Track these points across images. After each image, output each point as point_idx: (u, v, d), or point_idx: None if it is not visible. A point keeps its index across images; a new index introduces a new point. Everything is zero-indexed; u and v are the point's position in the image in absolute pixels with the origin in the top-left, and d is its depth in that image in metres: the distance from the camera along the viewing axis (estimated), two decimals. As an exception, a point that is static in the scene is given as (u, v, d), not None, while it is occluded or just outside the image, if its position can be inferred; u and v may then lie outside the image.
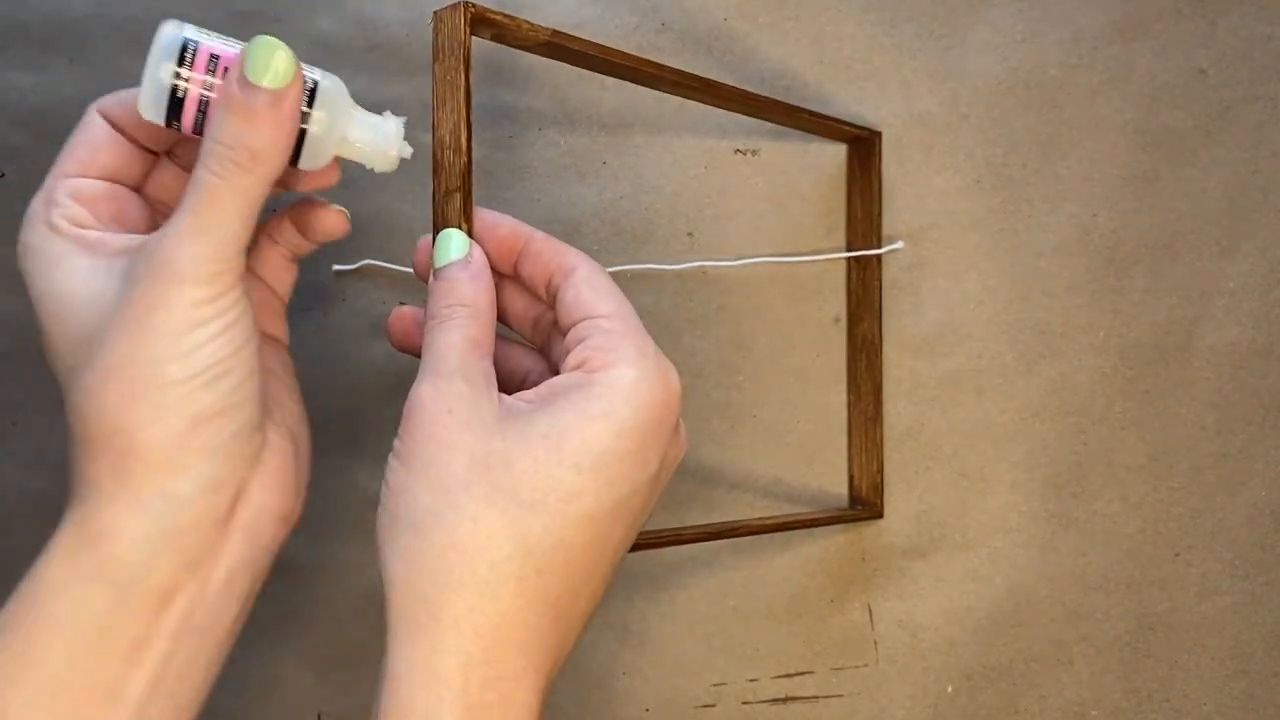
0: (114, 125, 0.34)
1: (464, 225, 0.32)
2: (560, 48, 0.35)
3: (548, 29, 0.34)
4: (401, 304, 0.37)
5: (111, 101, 0.34)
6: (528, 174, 0.48)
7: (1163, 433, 0.51)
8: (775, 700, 0.49)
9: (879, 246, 0.49)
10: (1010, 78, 0.50)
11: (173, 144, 0.36)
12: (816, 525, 0.47)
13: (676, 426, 0.31)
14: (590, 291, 0.32)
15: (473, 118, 0.32)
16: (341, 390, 0.47)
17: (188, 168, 0.36)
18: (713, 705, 0.49)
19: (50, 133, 0.45)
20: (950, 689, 0.50)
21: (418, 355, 0.32)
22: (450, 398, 0.29)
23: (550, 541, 0.28)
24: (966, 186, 0.50)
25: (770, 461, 0.49)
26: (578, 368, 0.30)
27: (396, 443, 0.30)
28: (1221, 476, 0.51)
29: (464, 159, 0.31)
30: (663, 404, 0.30)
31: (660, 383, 0.30)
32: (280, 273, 0.38)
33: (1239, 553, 0.51)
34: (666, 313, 0.48)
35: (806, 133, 0.49)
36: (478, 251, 0.32)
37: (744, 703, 0.49)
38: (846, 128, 0.47)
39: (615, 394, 0.29)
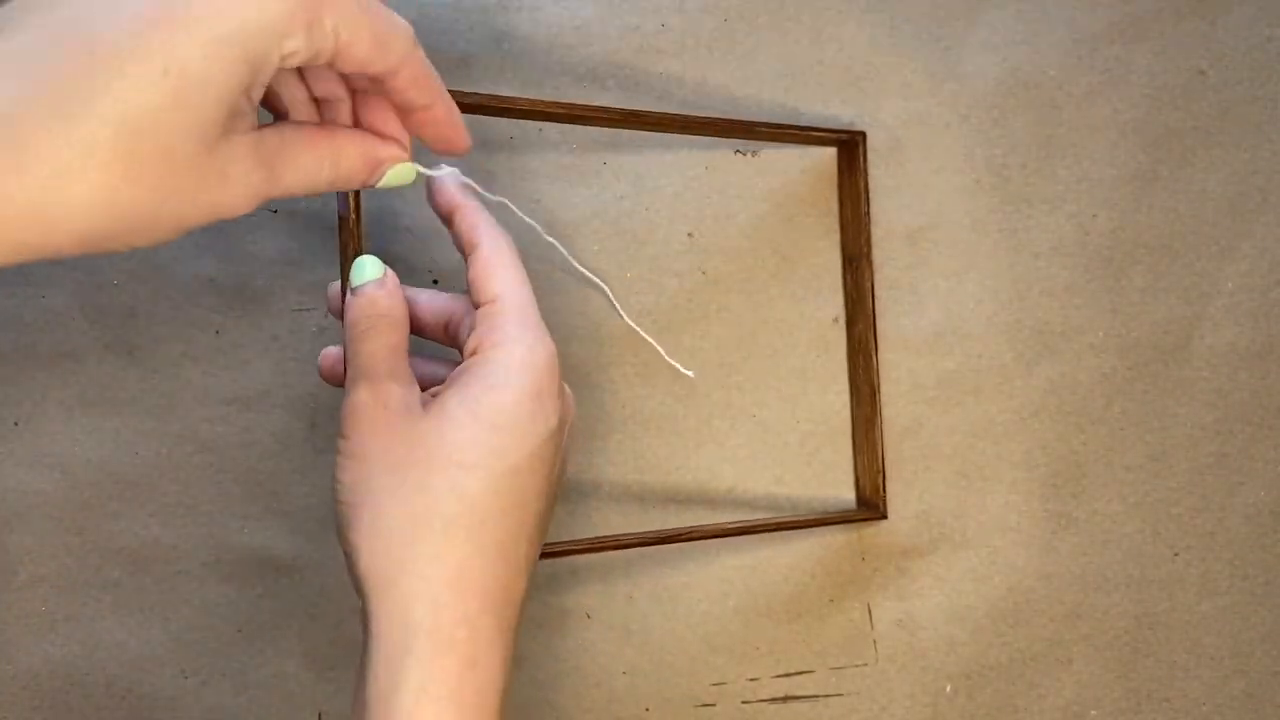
0: None
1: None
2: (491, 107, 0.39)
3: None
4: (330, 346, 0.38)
5: None
6: (528, 174, 0.48)
7: (1163, 433, 0.51)
8: (775, 699, 0.49)
9: (868, 248, 0.48)
10: (1010, 78, 0.50)
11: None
12: (819, 526, 0.48)
13: (561, 387, 0.36)
14: (483, 273, 0.36)
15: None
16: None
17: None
18: (713, 705, 0.49)
19: (51, 133, 0.45)
20: (949, 688, 0.50)
21: (341, 386, 0.35)
22: (384, 396, 0.33)
23: (489, 494, 0.33)
24: (966, 186, 0.50)
25: (770, 461, 0.49)
26: (474, 353, 0.35)
27: (342, 443, 0.34)
28: (1221, 476, 0.51)
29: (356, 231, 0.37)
30: (546, 368, 0.35)
31: (541, 350, 0.35)
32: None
33: (1239, 553, 0.51)
34: (667, 313, 0.48)
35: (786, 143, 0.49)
36: (390, 273, 0.36)
37: (744, 702, 0.49)
38: (815, 134, 0.47)
39: (506, 366, 0.34)
